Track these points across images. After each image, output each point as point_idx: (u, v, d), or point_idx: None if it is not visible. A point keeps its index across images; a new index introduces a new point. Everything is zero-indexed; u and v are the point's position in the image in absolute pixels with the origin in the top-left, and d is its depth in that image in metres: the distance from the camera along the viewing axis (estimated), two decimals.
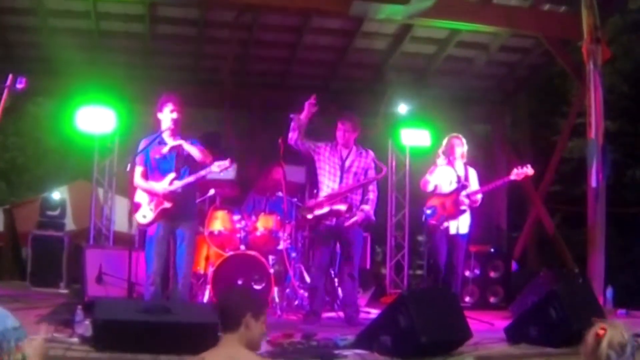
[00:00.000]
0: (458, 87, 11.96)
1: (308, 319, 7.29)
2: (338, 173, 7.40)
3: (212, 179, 7.59)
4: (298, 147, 7.39)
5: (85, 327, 5.28)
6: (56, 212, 10.11)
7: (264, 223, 8.18)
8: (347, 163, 7.41)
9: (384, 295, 10.07)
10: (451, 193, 7.90)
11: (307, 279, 8.46)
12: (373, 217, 7.62)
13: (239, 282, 7.58)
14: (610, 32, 11.64)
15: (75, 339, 5.23)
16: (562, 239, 11.05)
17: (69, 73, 10.32)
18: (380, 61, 11.45)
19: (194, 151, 6.61)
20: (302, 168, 10.16)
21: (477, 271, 9.44)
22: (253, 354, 3.33)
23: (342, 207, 7.27)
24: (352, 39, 10.80)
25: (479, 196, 8.00)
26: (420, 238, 10.59)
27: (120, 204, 10.09)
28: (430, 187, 8.01)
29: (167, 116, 6.64)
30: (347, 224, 7.29)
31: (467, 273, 9.00)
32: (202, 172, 6.71)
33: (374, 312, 7.88)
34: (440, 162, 7.97)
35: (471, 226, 8.04)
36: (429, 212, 7.94)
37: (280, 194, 8.44)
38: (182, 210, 6.65)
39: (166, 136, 6.66)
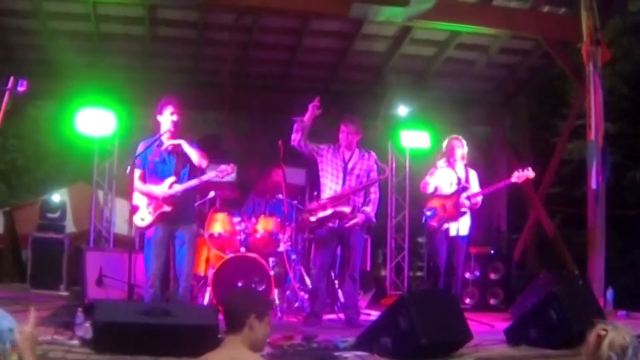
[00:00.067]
0: (458, 89, 11.97)
1: (308, 321, 7.29)
2: (341, 175, 7.40)
3: (213, 181, 7.59)
4: (301, 148, 7.39)
5: (85, 329, 5.28)
6: (56, 215, 10.11)
7: (264, 225, 8.18)
8: (350, 165, 7.42)
9: (384, 297, 10.08)
10: (452, 195, 7.90)
11: (307, 281, 8.46)
12: (374, 219, 7.62)
13: (239, 284, 7.58)
14: (610, 34, 11.64)
15: (75, 342, 5.23)
16: (562, 240, 11.05)
17: (68, 75, 10.33)
18: (380, 63, 11.46)
19: (192, 153, 6.60)
20: (302, 170, 10.17)
21: (477, 273, 9.44)
22: (256, 356, 3.33)
23: (347, 209, 7.27)
24: (351, 41, 10.80)
25: (480, 198, 8.00)
26: (421, 240, 10.59)
27: (120, 207, 10.10)
28: (430, 189, 8.01)
29: (167, 119, 6.64)
30: (347, 225, 7.30)
31: (467, 275, 9.00)
32: (204, 178, 6.71)
33: (374, 314, 7.88)
34: (441, 164, 7.98)
35: (471, 228, 8.04)
36: (429, 213, 7.94)
37: (280, 196, 8.44)
38: (182, 214, 6.65)
39: (165, 139, 6.66)
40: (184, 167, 6.67)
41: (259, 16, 10.12)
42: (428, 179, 8.00)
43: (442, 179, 8.00)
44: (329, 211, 7.29)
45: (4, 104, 5.20)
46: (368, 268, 10.15)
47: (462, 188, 7.89)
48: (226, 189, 8.48)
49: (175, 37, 10.63)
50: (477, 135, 12.53)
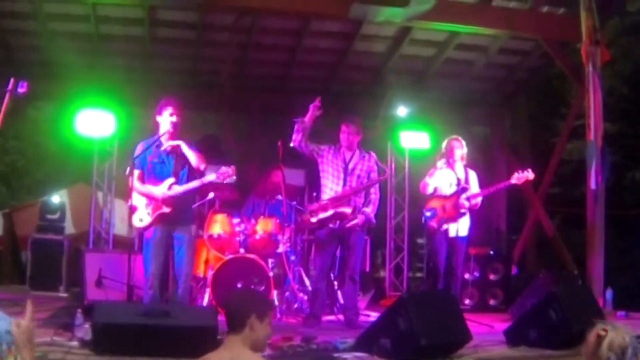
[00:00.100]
0: (457, 90, 11.97)
1: (308, 322, 7.29)
2: (341, 176, 7.40)
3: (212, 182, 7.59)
4: (302, 149, 7.39)
5: (84, 330, 5.28)
6: (56, 216, 10.12)
7: (263, 226, 8.18)
8: (351, 166, 7.42)
9: (383, 298, 10.07)
10: (451, 196, 7.90)
11: (307, 282, 8.46)
12: (374, 220, 7.62)
13: (239, 286, 7.58)
14: (610, 34, 11.65)
15: (74, 343, 5.23)
16: (562, 241, 11.05)
17: (68, 77, 10.34)
18: (379, 64, 11.46)
19: (190, 155, 6.61)
20: (302, 171, 10.17)
21: (476, 274, 9.44)
22: (257, 356, 3.33)
23: (347, 210, 7.27)
24: (351, 41, 10.81)
25: (479, 199, 8.00)
26: (420, 241, 10.60)
27: (120, 208, 10.09)
28: (429, 190, 8.01)
29: (166, 119, 6.63)
30: (348, 225, 7.30)
31: (466, 275, 9.00)
32: (205, 180, 6.71)
33: (373, 315, 7.88)
34: (440, 165, 7.98)
35: (471, 229, 8.03)
36: (428, 214, 7.94)
37: (279, 197, 8.44)
38: (181, 215, 6.65)
39: (164, 139, 6.66)
40: (183, 168, 6.67)
41: (259, 17, 10.13)
42: (427, 179, 8.00)
43: (442, 180, 8.00)
44: (329, 212, 7.29)
45: (4, 106, 5.20)
46: (367, 269, 10.16)
47: (461, 189, 7.89)
48: (225, 190, 8.48)
49: (174, 38, 10.64)
50: (477, 135, 12.53)
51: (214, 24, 10.33)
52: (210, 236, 8.14)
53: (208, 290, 7.71)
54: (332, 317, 7.96)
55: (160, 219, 6.54)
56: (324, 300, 7.68)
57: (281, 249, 8.14)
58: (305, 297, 8.18)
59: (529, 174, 7.93)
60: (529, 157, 12.30)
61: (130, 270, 6.52)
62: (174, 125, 6.62)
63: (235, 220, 8.16)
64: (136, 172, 6.59)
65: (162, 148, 6.62)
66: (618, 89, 13.76)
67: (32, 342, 2.78)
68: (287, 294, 8.18)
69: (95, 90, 9.53)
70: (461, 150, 8.06)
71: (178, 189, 6.58)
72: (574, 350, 5.19)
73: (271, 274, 7.82)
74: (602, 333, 2.72)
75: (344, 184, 7.38)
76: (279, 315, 7.67)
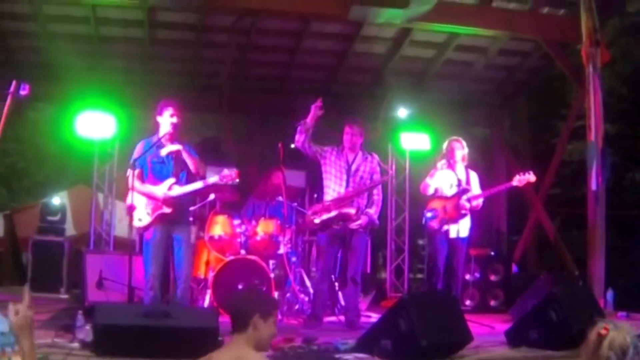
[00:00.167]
0: (457, 91, 11.97)
1: (309, 323, 7.29)
2: (344, 177, 7.41)
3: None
4: (305, 150, 7.39)
5: (85, 332, 5.29)
6: (56, 218, 10.12)
7: (264, 227, 8.19)
8: (354, 167, 7.43)
9: (384, 299, 10.06)
10: (452, 197, 7.91)
11: (308, 283, 8.46)
12: (377, 221, 7.63)
13: (240, 287, 7.58)
14: (610, 35, 11.65)
15: (75, 344, 5.24)
16: (562, 241, 11.05)
17: (68, 78, 10.34)
18: (379, 65, 11.46)
19: (189, 162, 6.63)
20: (302, 172, 10.18)
21: (477, 274, 9.45)
22: (260, 355, 3.34)
23: (351, 211, 7.28)
24: (351, 43, 10.81)
25: (480, 200, 8.01)
26: (421, 242, 10.60)
27: (121, 209, 10.07)
28: (430, 191, 8.02)
29: (166, 120, 6.65)
30: (351, 226, 7.30)
31: (467, 276, 9.00)
32: (209, 181, 6.72)
33: (374, 316, 7.88)
34: (440, 166, 7.98)
35: (471, 229, 8.04)
36: (429, 215, 7.95)
37: (280, 198, 8.45)
38: (180, 216, 6.68)
39: (164, 140, 6.67)
40: (183, 170, 6.70)
41: (258, 18, 10.13)
42: (428, 180, 8.01)
43: (442, 181, 8.00)
44: (333, 213, 7.30)
45: (6, 108, 5.21)
46: (368, 270, 10.15)
47: (462, 190, 7.90)
48: (226, 192, 8.48)
49: (174, 40, 10.64)
50: (477, 136, 12.53)
51: (213, 26, 10.34)
52: (211, 237, 8.15)
53: (209, 292, 7.71)
54: (333, 318, 7.96)
55: (160, 219, 6.54)
56: (325, 301, 7.68)
57: (282, 250, 8.14)
58: (307, 298, 8.18)
59: (531, 176, 7.94)
60: (529, 158, 12.31)
61: (130, 272, 6.53)
62: (174, 126, 6.64)
63: (236, 222, 8.17)
64: (136, 171, 6.60)
65: (162, 153, 6.62)
66: (618, 89, 13.75)
67: (31, 330, 2.76)
68: (288, 295, 8.18)
69: (95, 91, 9.53)
70: (462, 151, 8.06)
71: (180, 190, 6.59)
72: (574, 351, 5.17)
73: (272, 275, 7.83)
74: (603, 332, 2.70)
75: (347, 185, 7.38)
76: (280, 317, 7.66)
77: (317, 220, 7.39)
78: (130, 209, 6.49)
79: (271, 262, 8.16)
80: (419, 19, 9.12)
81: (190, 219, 8.08)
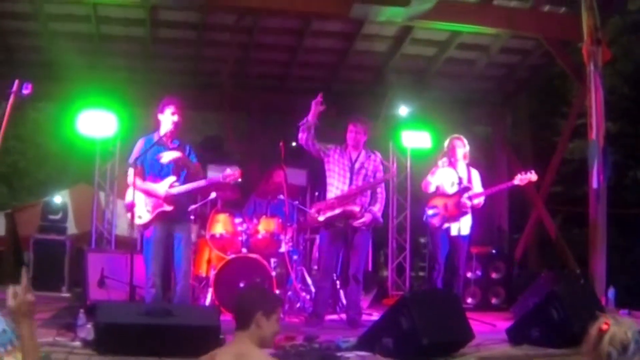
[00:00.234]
0: (458, 89, 11.96)
1: (310, 322, 7.30)
2: (348, 175, 7.42)
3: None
4: (309, 148, 7.40)
5: (87, 330, 5.30)
6: (58, 216, 10.13)
7: (265, 226, 8.19)
8: (357, 165, 7.44)
9: (385, 297, 10.08)
10: (454, 194, 7.92)
11: (309, 282, 8.47)
12: (381, 219, 7.65)
13: (241, 285, 7.58)
14: (611, 33, 11.61)
15: (77, 343, 5.25)
16: (564, 240, 11.04)
17: (69, 77, 10.33)
18: (380, 63, 11.46)
19: (187, 165, 6.65)
20: (304, 171, 10.19)
21: (478, 272, 9.46)
22: (263, 353, 3.35)
23: (356, 208, 7.29)
24: (352, 41, 10.80)
25: (481, 199, 8.02)
26: (422, 240, 10.60)
27: (122, 208, 10.08)
28: (431, 189, 8.03)
29: (167, 118, 6.66)
30: (355, 224, 7.31)
31: (468, 274, 9.02)
32: (213, 179, 6.76)
33: (375, 314, 7.88)
34: (441, 163, 7.99)
35: (473, 227, 8.05)
36: (430, 212, 7.96)
37: (281, 196, 8.45)
38: (181, 214, 6.69)
39: (165, 139, 6.67)
40: (183, 169, 6.71)
41: (259, 17, 10.12)
42: (429, 178, 8.02)
43: (444, 179, 8.02)
44: (337, 210, 7.30)
45: (9, 107, 5.22)
46: (370, 268, 10.16)
47: (463, 188, 7.91)
48: (227, 190, 8.49)
49: (176, 39, 10.63)
50: (478, 134, 12.52)
51: (215, 24, 10.33)
52: (213, 236, 8.16)
53: (210, 290, 7.73)
54: (334, 317, 7.97)
55: (160, 217, 6.55)
56: (326, 299, 7.69)
57: (283, 248, 8.15)
58: (308, 297, 8.19)
59: (532, 176, 7.95)
60: (531, 156, 12.30)
61: (132, 270, 6.54)
62: (175, 124, 6.66)
63: (238, 220, 8.17)
64: (137, 169, 6.59)
65: (164, 160, 6.62)
66: (619, 87, 13.74)
67: (31, 316, 2.71)
68: (289, 293, 8.19)
69: (96, 90, 9.54)
70: (463, 149, 8.08)
71: (181, 188, 6.60)
72: (575, 349, 5.18)
73: (273, 273, 7.84)
74: (604, 327, 2.67)
75: (350, 183, 7.40)
76: (281, 315, 7.66)
77: (321, 218, 7.39)
78: (130, 206, 6.50)
79: (272, 260, 8.16)
80: (420, 17, 9.11)
81: (192, 217, 8.12)
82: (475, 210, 8.03)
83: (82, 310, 5.78)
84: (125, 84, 10.43)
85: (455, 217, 7.86)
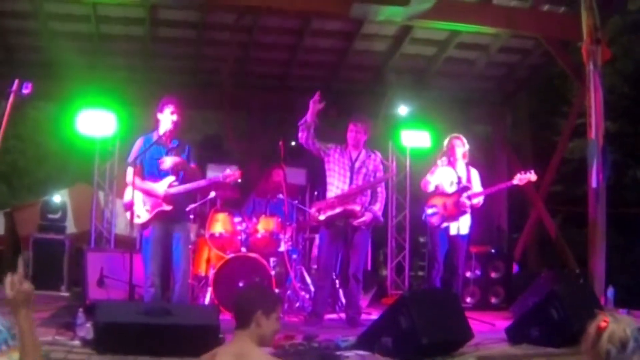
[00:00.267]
0: (458, 89, 11.97)
1: (309, 321, 7.30)
2: (348, 174, 7.42)
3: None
4: (309, 146, 7.40)
5: (86, 329, 5.30)
6: (57, 215, 10.12)
7: (264, 225, 8.19)
8: (357, 164, 7.44)
9: (385, 297, 10.08)
10: (453, 194, 7.92)
11: (308, 281, 8.47)
12: (381, 218, 7.66)
13: (240, 284, 7.58)
14: (610, 33, 11.60)
15: (76, 342, 5.25)
16: (563, 239, 11.04)
17: (69, 76, 10.33)
18: (380, 63, 11.46)
19: (185, 169, 6.66)
20: (303, 170, 10.19)
21: (478, 272, 9.45)
22: (262, 351, 3.35)
23: (357, 207, 7.30)
24: (352, 40, 10.80)
25: (481, 198, 8.02)
26: (422, 239, 10.60)
27: (121, 207, 10.06)
28: (430, 188, 8.04)
29: (167, 117, 6.66)
30: (355, 223, 7.31)
31: (468, 274, 9.02)
32: (212, 180, 6.76)
33: (375, 314, 7.88)
34: (441, 163, 7.99)
35: (472, 227, 8.05)
36: (430, 211, 7.97)
37: (281, 196, 8.45)
38: (179, 214, 6.70)
39: (165, 138, 6.67)
40: (181, 170, 6.71)
41: (259, 16, 10.12)
42: (429, 177, 8.03)
43: (443, 178, 8.03)
44: (337, 209, 7.31)
45: (9, 106, 5.22)
46: (369, 267, 10.16)
47: (463, 188, 7.92)
48: (227, 189, 8.49)
49: (175, 38, 10.63)
50: (478, 134, 12.51)
51: (214, 23, 10.33)
52: (212, 235, 8.15)
53: (210, 289, 7.73)
54: (333, 316, 7.98)
55: (159, 217, 6.55)
56: (325, 298, 7.69)
57: (283, 247, 8.15)
58: (307, 296, 8.19)
59: (532, 176, 7.95)
60: (530, 156, 12.30)
61: (131, 270, 6.54)
62: (175, 123, 6.65)
63: (237, 219, 8.17)
64: (136, 168, 6.59)
65: (163, 167, 6.62)
66: (619, 87, 13.72)
67: (30, 306, 2.67)
68: (288, 292, 8.19)
69: (96, 90, 9.54)
70: (462, 148, 8.08)
71: (180, 187, 6.60)
72: (575, 349, 5.19)
73: (273, 272, 7.84)
74: (603, 325, 2.66)
75: (350, 183, 7.40)
76: (281, 314, 7.66)
77: (322, 217, 7.39)
78: (129, 206, 6.50)
79: (272, 259, 8.16)
80: (419, 17, 9.11)
81: (191, 216, 8.12)
82: (474, 210, 8.04)
83: (81, 310, 5.78)
84: (125, 83, 10.44)
85: (454, 217, 7.87)
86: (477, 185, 8.11)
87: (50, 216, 10.07)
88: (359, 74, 11.94)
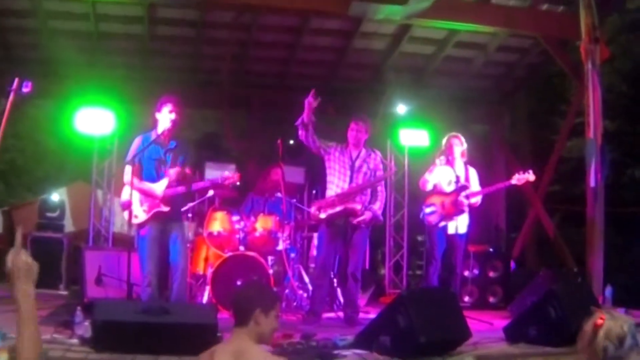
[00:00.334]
0: (456, 87, 11.97)
1: (307, 319, 7.30)
2: (348, 173, 7.43)
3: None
4: (309, 144, 7.40)
5: (84, 328, 5.29)
6: (55, 214, 10.13)
7: (263, 224, 8.19)
8: (357, 163, 7.44)
9: (383, 296, 10.08)
10: (451, 193, 7.92)
11: (306, 280, 8.47)
12: (381, 217, 7.66)
13: (238, 283, 7.58)
14: (609, 32, 11.63)
15: (74, 340, 5.24)
16: (562, 238, 11.05)
17: (68, 75, 10.34)
18: (379, 61, 11.46)
19: (184, 177, 6.66)
20: (301, 169, 10.18)
21: (476, 271, 9.45)
22: (261, 349, 3.36)
23: (357, 206, 7.31)
24: (350, 39, 10.81)
25: (479, 198, 8.02)
26: (420, 238, 10.60)
27: (119, 205, 10.08)
28: (429, 187, 8.04)
29: (165, 117, 6.65)
30: (355, 221, 7.31)
31: (466, 273, 9.02)
32: (211, 179, 6.78)
33: (373, 313, 7.88)
34: (439, 162, 7.99)
35: (470, 226, 8.05)
36: (428, 210, 7.97)
37: (279, 194, 8.45)
38: (177, 214, 6.70)
39: (162, 137, 6.66)
40: (183, 178, 6.71)
41: (258, 14, 10.13)
42: (427, 176, 8.02)
43: (441, 177, 8.02)
44: (338, 208, 7.31)
45: (8, 105, 5.22)
46: (367, 266, 10.16)
47: (461, 187, 7.92)
48: (225, 188, 8.48)
49: (174, 36, 10.63)
50: (476, 133, 12.52)
51: (213, 22, 10.33)
52: (210, 234, 8.15)
53: (208, 288, 7.73)
54: (331, 314, 7.98)
55: (156, 217, 6.54)
56: (323, 297, 7.69)
57: (281, 246, 8.16)
58: (305, 295, 8.19)
59: (530, 176, 7.95)
60: (529, 155, 12.31)
61: (129, 268, 6.53)
62: (173, 122, 6.64)
63: (235, 218, 8.17)
64: (134, 168, 6.58)
65: (170, 172, 6.63)
66: (617, 86, 13.72)
67: (30, 279, 2.61)
68: (286, 291, 8.20)
69: (94, 88, 9.54)
70: (461, 147, 8.08)
71: (179, 188, 6.59)
72: (573, 348, 5.19)
73: (271, 271, 7.85)
74: (599, 322, 2.66)
75: (351, 181, 7.41)
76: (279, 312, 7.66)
77: (322, 216, 7.39)
78: (127, 205, 6.49)
79: (270, 258, 8.17)
80: (418, 16, 9.11)
81: (189, 215, 8.12)
82: (472, 209, 8.03)
83: (79, 308, 5.76)
84: (124, 81, 10.44)
85: (452, 216, 7.87)
86: (475, 185, 8.11)
87: (49, 214, 10.08)
88: (357, 73, 11.94)
